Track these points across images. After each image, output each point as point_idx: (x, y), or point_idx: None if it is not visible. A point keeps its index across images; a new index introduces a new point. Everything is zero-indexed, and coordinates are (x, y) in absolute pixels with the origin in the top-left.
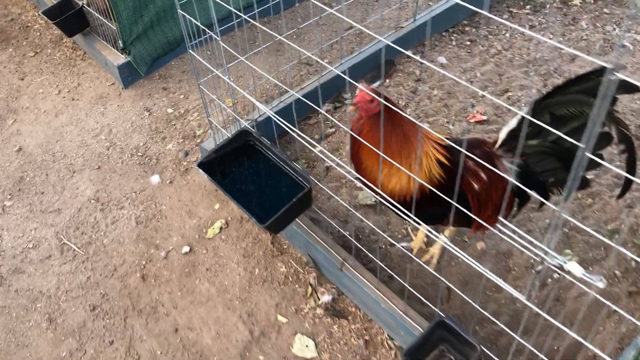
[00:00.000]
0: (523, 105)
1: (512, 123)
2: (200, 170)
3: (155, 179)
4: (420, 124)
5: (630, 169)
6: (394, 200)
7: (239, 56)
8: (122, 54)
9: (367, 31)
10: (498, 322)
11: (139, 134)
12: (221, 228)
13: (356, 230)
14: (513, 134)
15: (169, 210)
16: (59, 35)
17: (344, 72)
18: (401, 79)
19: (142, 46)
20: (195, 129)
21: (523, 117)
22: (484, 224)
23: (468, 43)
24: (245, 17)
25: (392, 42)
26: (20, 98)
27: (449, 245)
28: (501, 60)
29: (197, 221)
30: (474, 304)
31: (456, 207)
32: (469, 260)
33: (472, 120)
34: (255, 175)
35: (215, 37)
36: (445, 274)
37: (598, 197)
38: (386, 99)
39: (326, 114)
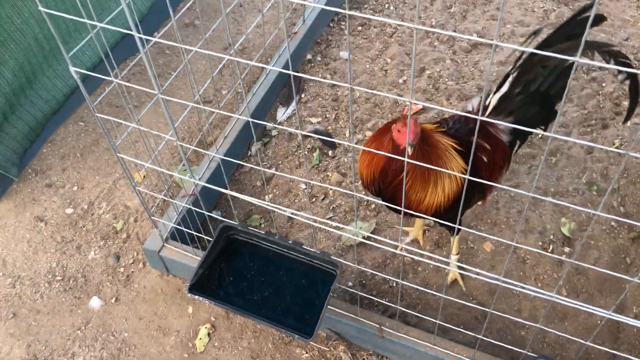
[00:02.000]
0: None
1: (503, 89)
2: (197, 297)
3: (95, 302)
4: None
5: (634, 95)
6: (428, 215)
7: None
8: None
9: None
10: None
11: (45, 252)
12: (209, 334)
13: (359, 277)
14: (504, 98)
15: (135, 336)
16: None
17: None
18: (315, 88)
19: (1, 145)
20: (111, 222)
21: (516, 79)
22: (494, 184)
23: (360, 28)
24: (145, 36)
25: (292, 52)
26: None
27: (464, 270)
28: (401, 37)
29: (176, 337)
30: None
31: (479, 185)
32: (487, 277)
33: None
34: (264, 277)
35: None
36: (470, 289)
37: (559, 152)
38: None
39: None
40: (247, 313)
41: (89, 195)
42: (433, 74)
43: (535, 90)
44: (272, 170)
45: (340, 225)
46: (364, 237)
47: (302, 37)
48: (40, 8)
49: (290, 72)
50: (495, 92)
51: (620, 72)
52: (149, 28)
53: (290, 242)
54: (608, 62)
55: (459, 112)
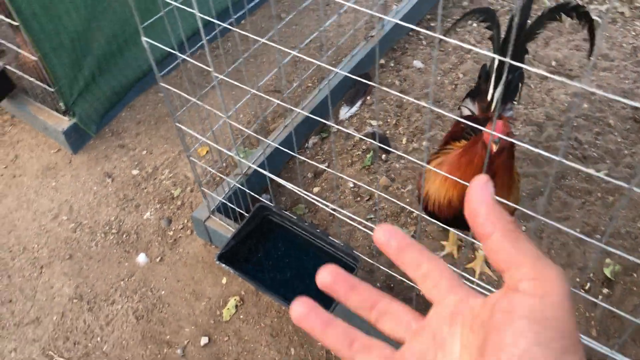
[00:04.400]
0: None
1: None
2: (224, 266)
3: (142, 259)
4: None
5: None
6: None
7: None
8: (65, 116)
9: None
10: None
11: (107, 206)
12: (237, 306)
13: (387, 280)
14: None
15: (170, 296)
16: None
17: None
18: (382, 92)
19: (86, 103)
20: (170, 188)
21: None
22: None
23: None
24: (224, 24)
25: (365, 55)
26: None
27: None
28: (478, 55)
29: (207, 303)
30: None
31: None
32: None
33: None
34: (288, 260)
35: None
36: None
37: (617, 192)
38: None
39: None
40: (264, 288)
41: (155, 161)
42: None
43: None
44: (324, 166)
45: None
46: None
47: (379, 42)
48: None
49: (357, 77)
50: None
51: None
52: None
53: (318, 230)
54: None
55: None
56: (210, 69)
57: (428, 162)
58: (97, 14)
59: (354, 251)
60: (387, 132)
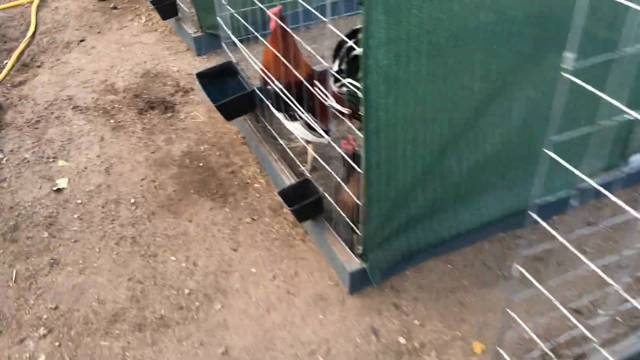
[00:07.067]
0: None
1: None
2: None
3: None
4: None
5: None
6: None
7: None
8: (358, 258)
9: None
10: None
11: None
12: None
13: None
14: None
15: None
16: (279, 203)
17: None
18: None
19: (382, 252)
20: None
21: None
22: None
23: None
24: None
25: None
26: (230, 275)
27: None
28: None
29: None
30: None
31: None
32: None
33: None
34: None
35: None
36: None
37: None
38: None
39: None
40: None
41: (425, 336)
42: None
43: None
44: None
45: None
46: None
47: None
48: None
49: None
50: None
51: None
52: None
53: None
54: None
55: None
56: None
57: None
58: (427, 176)
59: None
60: None
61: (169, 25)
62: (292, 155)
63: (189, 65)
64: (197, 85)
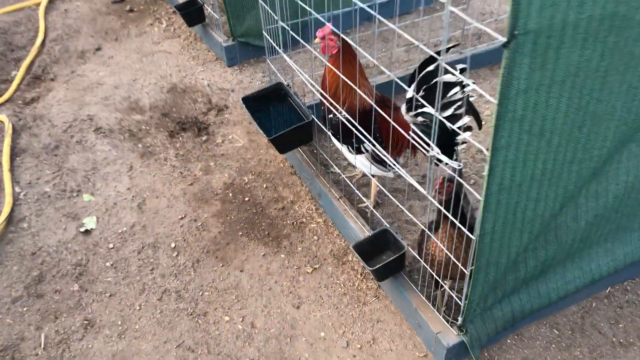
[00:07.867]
0: None
1: None
2: None
3: None
4: None
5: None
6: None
7: None
8: (455, 330)
9: None
10: None
11: None
12: None
13: None
14: None
15: None
16: (342, 247)
17: None
18: None
19: (483, 323)
20: None
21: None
22: None
23: None
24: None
25: None
26: (296, 340)
27: None
28: None
29: None
30: None
31: None
32: None
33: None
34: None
35: None
36: None
37: None
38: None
39: None
40: None
41: None
42: None
43: None
44: None
45: None
46: None
47: None
48: None
49: None
50: None
51: None
52: None
53: None
54: None
55: None
56: None
57: None
58: (541, 237)
59: None
60: None
61: (193, 31)
62: (354, 188)
63: (220, 77)
64: (230, 100)
